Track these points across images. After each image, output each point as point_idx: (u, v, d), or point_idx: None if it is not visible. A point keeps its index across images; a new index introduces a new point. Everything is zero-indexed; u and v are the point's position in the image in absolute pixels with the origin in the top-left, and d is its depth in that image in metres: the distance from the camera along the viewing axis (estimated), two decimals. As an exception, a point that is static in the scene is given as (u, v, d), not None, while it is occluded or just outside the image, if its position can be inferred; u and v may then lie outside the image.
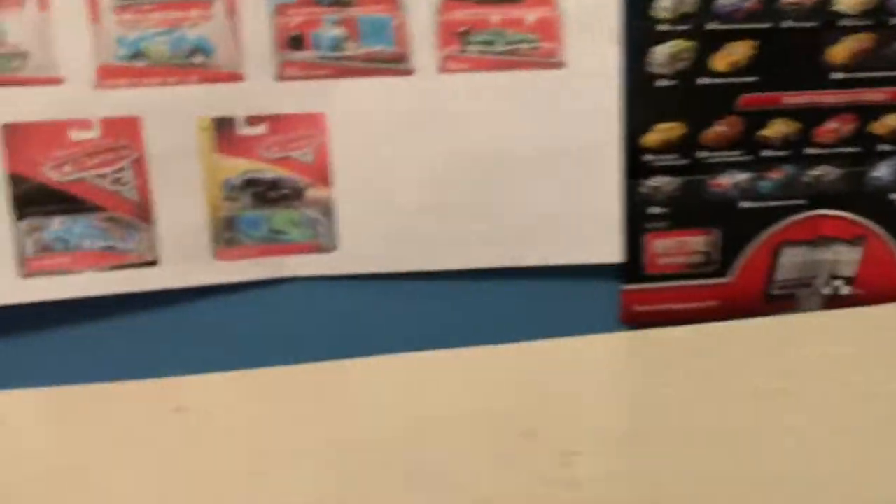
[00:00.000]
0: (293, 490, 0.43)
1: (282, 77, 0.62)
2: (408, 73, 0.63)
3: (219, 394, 0.56)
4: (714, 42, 0.65)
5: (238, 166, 0.63)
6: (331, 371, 0.60)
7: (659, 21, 0.64)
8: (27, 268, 0.62)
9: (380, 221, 0.65)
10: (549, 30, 0.63)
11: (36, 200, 0.61)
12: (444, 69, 0.63)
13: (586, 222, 0.66)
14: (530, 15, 0.63)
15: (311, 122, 0.63)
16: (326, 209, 0.65)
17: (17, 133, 0.60)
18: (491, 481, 0.42)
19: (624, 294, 0.68)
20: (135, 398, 0.54)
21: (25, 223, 0.62)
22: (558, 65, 0.63)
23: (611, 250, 0.66)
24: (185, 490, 0.43)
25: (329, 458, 0.46)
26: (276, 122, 0.63)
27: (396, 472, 0.44)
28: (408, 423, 0.50)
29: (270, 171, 0.64)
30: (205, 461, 0.47)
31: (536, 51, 0.63)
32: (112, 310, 0.63)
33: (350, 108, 0.63)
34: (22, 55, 0.59)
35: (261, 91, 0.62)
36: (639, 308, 0.69)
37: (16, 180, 0.61)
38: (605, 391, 0.59)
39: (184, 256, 0.64)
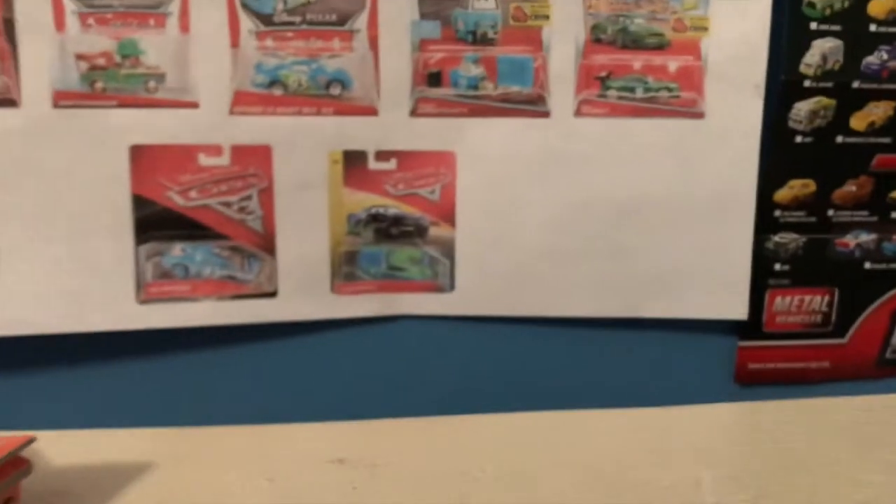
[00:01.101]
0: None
1: (416, 113, 0.61)
2: (543, 115, 0.62)
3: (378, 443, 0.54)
4: (856, 101, 0.63)
5: (364, 201, 0.62)
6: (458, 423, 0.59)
7: (804, 77, 0.62)
8: (145, 293, 0.60)
9: (500, 264, 0.63)
10: (690, 79, 0.62)
11: (158, 224, 0.60)
12: (580, 113, 0.62)
13: (714, 276, 0.64)
14: (673, 63, 0.61)
15: (440, 161, 0.62)
16: (447, 249, 0.63)
17: (146, 154, 0.59)
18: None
19: (741, 351, 0.67)
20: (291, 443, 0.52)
21: (146, 247, 0.60)
22: (698, 115, 0.62)
23: (736, 307, 0.65)
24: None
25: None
26: (406, 158, 0.61)
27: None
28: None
29: (395, 208, 0.62)
30: None
31: (676, 100, 0.62)
32: (227, 339, 0.62)
33: (481, 148, 0.62)
34: (158, 76, 0.58)
35: (394, 126, 0.61)
36: (753, 366, 0.67)
37: (140, 202, 0.59)
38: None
39: (302, 289, 0.62)
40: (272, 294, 0.62)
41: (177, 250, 0.61)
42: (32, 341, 0.58)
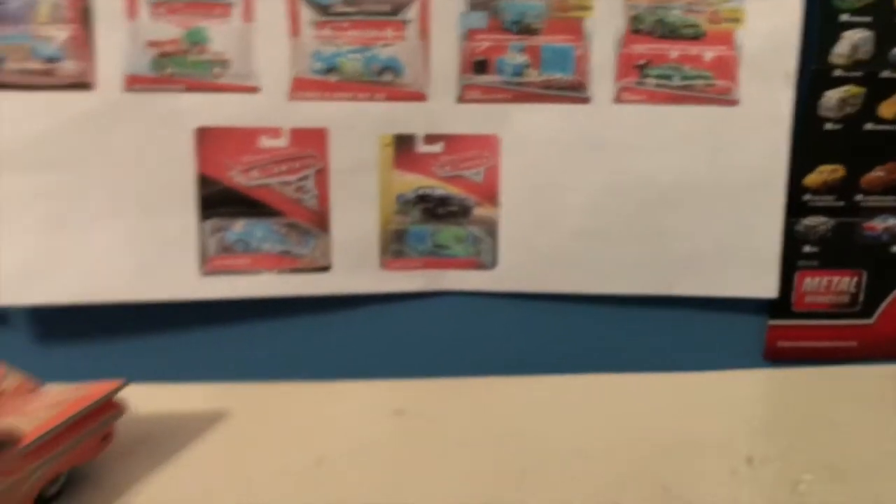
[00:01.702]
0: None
1: (462, 99, 0.64)
2: (584, 101, 0.65)
3: (434, 398, 0.58)
4: (884, 90, 0.66)
5: (412, 182, 0.66)
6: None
7: (834, 67, 0.65)
8: (208, 266, 0.65)
9: (540, 243, 0.67)
10: (725, 68, 0.65)
11: (222, 202, 0.64)
12: (619, 99, 0.65)
13: (745, 257, 0.67)
14: (708, 53, 0.64)
15: (485, 144, 0.65)
16: (490, 228, 0.67)
17: (211, 137, 0.63)
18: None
19: (770, 329, 0.70)
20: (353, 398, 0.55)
21: (210, 223, 0.64)
22: (731, 102, 0.65)
23: (766, 285, 0.68)
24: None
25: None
26: (453, 141, 0.65)
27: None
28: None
29: (441, 189, 0.66)
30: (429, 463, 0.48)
31: (711, 88, 0.65)
32: (283, 310, 0.66)
33: (523, 133, 0.65)
34: (223, 63, 0.62)
35: (441, 111, 0.64)
36: (782, 344, 0.70)
37: (205, 182, 0.63)
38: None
39: (353, 264, 0.66)
40: (326, 268, 0.66)
41: (238, 226, 0.65)
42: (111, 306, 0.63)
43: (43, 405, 0.44)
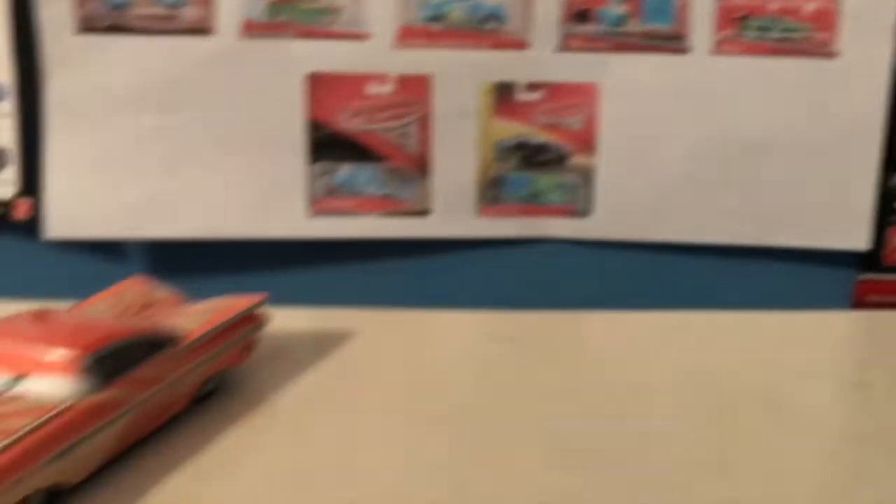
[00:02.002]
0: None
1: (563, 48, 0.66)
2: (682, 51, 0.66)
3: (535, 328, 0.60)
4: None
5: (511, 129, 0.68)
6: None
7: (936, 19, 0.65)
8: (315, 207, 0.68)
9: (636, 191, 0.68)
10: (825, 21, 0.65)
11: (329, 146, 0.67)
12: (718, 51, 0.66)
13: (838, 209, 0.68)
14: (808, 5, 0.65)
15: (584, 92, 0.67)
16: (587, 176, 0.68)
17: (321, 83, 0.65)
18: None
19: (859, 283, 0.71)
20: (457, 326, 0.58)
21: (318, 166, 0.67)
22: (831, 55, 0.65)
23: (858, 238, 0.68)
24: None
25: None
26: (553, 90, 0.67)
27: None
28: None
29: (540, 136, 0.68)
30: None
31: (810, 40, 0.65)
32: (383, 252, 0.69)
33: (623, 82, 0.66)
34: (335, 10, 0.64)
35: (542, 60, 0.66)
36: (871, 298, 0.71)
37: (314, 126, 0.66)
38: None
39: (452, 210, 0.68)
40: (425, 213, 0.69)
41: (344, 170, 0.67)
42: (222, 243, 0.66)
43: (193, 313, 0.47)
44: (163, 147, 0.66)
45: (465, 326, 0.59)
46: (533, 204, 0.69)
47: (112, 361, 0.40)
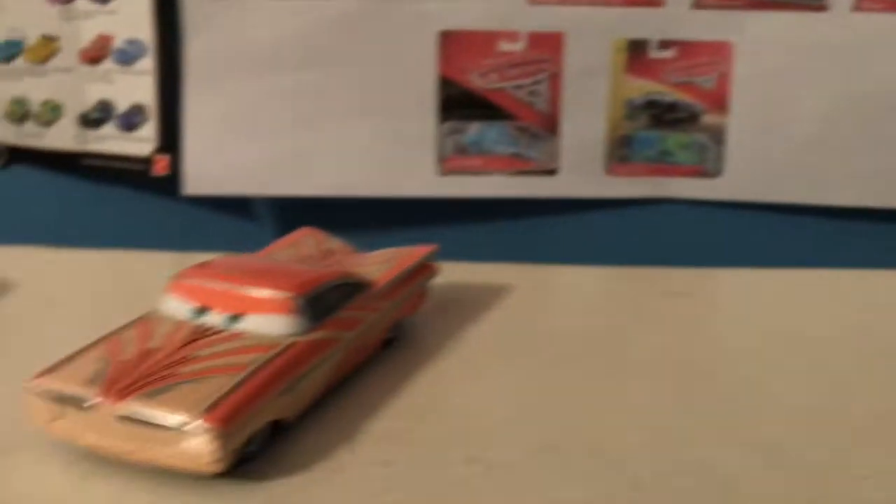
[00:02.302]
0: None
1: (698, 5, 0.65)
2: (821, 9, 0.64)
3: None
4: None
5: (642, 87, 0.67)
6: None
7: None
8: (445, 166, 0.68)
9: (768, 152, 0.67)
10: (975, -26, 0.63)
11: (459, 104, 0.67)
12: (858, 8, 0.64)
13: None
14: (958, -42, 0.63)
15: (718, 50, 0.66)
16: (717, 135, 0.67)
17: (453, 40, 0.65)
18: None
19: None
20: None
21: (447, 125, 0.67)
22: (979, 10, 0.63)
23: None
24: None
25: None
26: (686, 47, 0.66)
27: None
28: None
29: (671, 95, 0.67)
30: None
31: (958, -6, 0.63)
32: (509, 211, 0.69)
33: (758, 40, 0.65)
34: (469, -32, 0.64)
35: (677, 17, 0.65)
36: None
37: (445, 84, 0.66)
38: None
39: (580, 169, 0.68)
40: (553, 171, 0.68)
41: (473, 129, 0.68)
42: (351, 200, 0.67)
43: (371, 262, 0.48)
44: (298, 105, 0.67)
45: (629, 280, 0.59)
46: (662, 164, 0.68)
47: (320, 302, 0.41)
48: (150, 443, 0.34)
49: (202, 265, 0.43)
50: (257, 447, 0.37)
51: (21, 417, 0.40)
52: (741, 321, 0.54)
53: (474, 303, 0.53)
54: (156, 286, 0.43)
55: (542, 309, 0.54)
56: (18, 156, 0.70)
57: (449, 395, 0.43)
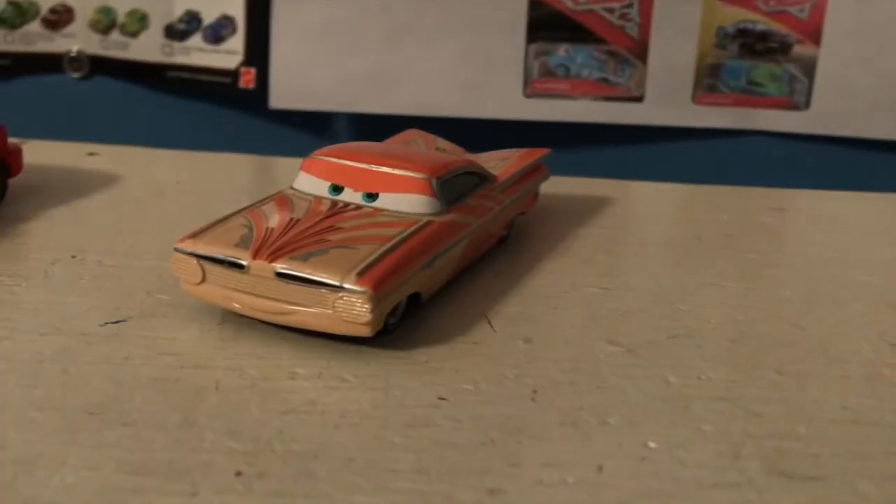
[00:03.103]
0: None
1: (795, -70, 0.64)
2: (922, -62, 0.63)
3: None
4: None
5: (734, 15, 0.66)
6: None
7: None
8: (531, 88, 0.67)
9: (858, 86, 0.66)
10: None
11: (548, 25, 0.66)
12: (960, -63, 0.63)
13: None
14: None
15: (813, -21, 0.65)
16: (808, 68, 0.67)
17: (546, -40, 0.65)
18: None
19: None
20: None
21: (535, 46, 0.67)
22: None
23: None
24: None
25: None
26: (781, -26, 0.65)
27: None
28: None
29: (763, 24, 0.66)
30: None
31: None
32: (594, 136, 0.69)
33: (855, -31, 0.64)
34: None
35: (774, -58, 0.64)
36: None
37: (534, 3, 0.66)
38: None
39: (666, 97, 0.67)
40: (639, 99, 0.68)
41: (561, 51, 0.67)
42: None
43: (490, 160, 0.48)
44: (385, 22, 0.66)
45: (727, 196, 0.58)
46: (749, 94, 0.68)
47: (452, 187, 0.41)
48: (302, 303, 0.34)
49: (335, 147, 0.42)
50: (397, 320, 0.37)
51: (158, 286, 0.40)
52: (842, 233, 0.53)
53: (579, 211, 0.53)
54: (258, 184, 0.42)
55: (650, 219, 0.54)
56: (101, 67, 0.70)
57: (576, 287, 0.42)
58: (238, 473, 0.28)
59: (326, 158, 0.41)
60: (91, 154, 0.60)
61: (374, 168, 0.40)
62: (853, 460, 0.30)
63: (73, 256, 0.44)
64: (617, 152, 0.69)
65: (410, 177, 0.40)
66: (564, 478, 0.29)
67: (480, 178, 0.44)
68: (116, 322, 0.37)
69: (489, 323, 0.38)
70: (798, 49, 0.66)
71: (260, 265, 0.35)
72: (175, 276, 0.37)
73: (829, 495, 0.28)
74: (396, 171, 0.40)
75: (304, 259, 0.35)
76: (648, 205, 0.57)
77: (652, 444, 0.31)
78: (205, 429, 0.30)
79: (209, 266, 0.36)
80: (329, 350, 0.36)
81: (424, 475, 0.29)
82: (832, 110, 0.67)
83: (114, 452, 0.29)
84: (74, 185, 0.54)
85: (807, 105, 0.67)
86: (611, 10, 0.66)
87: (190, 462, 0.29)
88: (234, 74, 0.67)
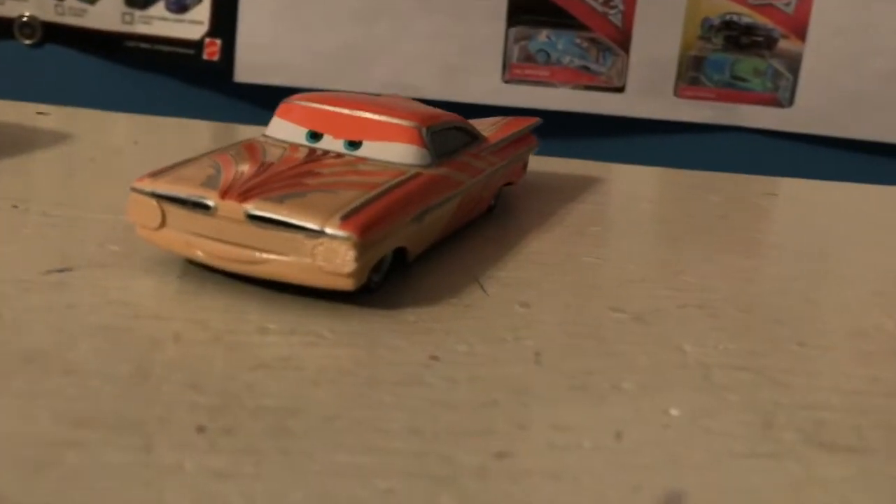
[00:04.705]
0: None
1: (786, -78, 0.62)
2: (911, -65, 0.62)
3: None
4: None
5: (720, 6, 0.64)
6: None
7: None
8: (510, 74, 0.64)
9: (843, 84, 0.64)
10: None
11: (529, 9, 0.63)
12: (949, -64, 0.62)
13: None
14: None
15: (801, -28, 0.63)
16: (793, 63, 0.65)
17: (529, -61, 0.62)
18: None
19: None
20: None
21: (515, 30, 0.64)
22: None
23: None
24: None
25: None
26: (769, -34, 0.63)
27: None
28: None
29: (749, 17, 0.64)
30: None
31: None
32: (573, 125, 0.66)
33: (843, -36, 0.63)
34: None
35: (763, -68, 0.63)
36: None
37: (516, -14, 0.63)
38: None
39: (647, 88, 0.65)
40: (620, 89, 0.65)
41: (542, 36, 0.64)
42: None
43: (479, 125, 0.44)
44: (361, -3, 0.63)
45: (715, 182, 0.56)
46: (732, 89, 0.66)
47: (443, 139, 0.38)
48: (275, 250, 0.30)
49: (313, 93, 0.38)
50: (381, 277, 0.33)
51: (110, 236, 0.36)
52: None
53: (567, 186, 0.49)
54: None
55: (640, 198, 0.50)
56: (54, 34, 0.65)
57: (572, 257, 0.39)
58: (200, 429, 0.24)
59: (304, 103, 0.37)
60: (40, 113, 0.55)
61: (358, 114, 0.36)
62: (896, 432, 0.27)
63: (15, 206, 0.39)
64: (597, 141, 0.67)
65: (399, 124, 0.36)
66: (579, 442, 0.25)
67: (471, 136, 0.40)
68: (61, 271, 0.33)
69: (481, 287, 0.35)
70: (783, 44, 0.64)
71: (229, 206, 0.30)
72: (131, 220, 0.33)
73: (878, 466, 0.25)
74: (383, 118, 0.36)
75: (280, 201, 0.31)
76: (636, 185, 0.54)
77: (674, 412, 0.27)
78: (161, 381, 0.26)
79: (170, 207, 0.31)
80: (303, 306, 0.32)
81: (418, 435, 0.25)
82: (816, 108, 0.65)
83: (52, 402, 0.25)
84: (20, 141, 0.49)
85: (790, 102, 0.65)
86: (595, -4, 0.64)
87: (143, 415, 0.25)
88: (198, 46, 0.63)
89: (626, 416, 0.27)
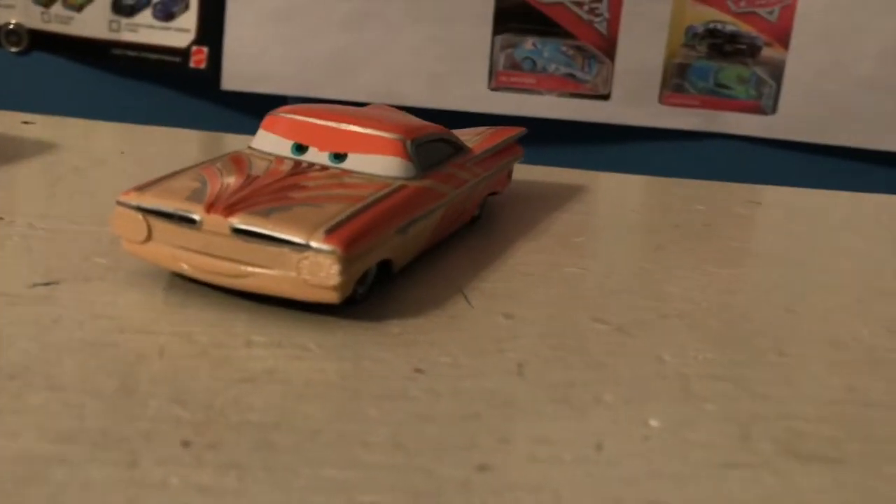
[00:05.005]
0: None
1: (769, -69, 0.63)
2: (892, -57, 0.63)
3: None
4: None
5: (704, 14, 0.64)
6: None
7: None
8: (496, 81, 0.65)
9: (826, 92, 0.65)
10: None
11: (515, 17, 0.64)
12: (929, -56, 0.63)
13: None
14: None
15: (784, -19, 0.64)
16: (776, 71, 0.65)
17: (514, -52, 0.62)
18: None
19: None
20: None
21: (501, 38, 0.64)
22: None
23: None
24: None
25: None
26: (752, -25, 0.64)
27: None
28: None
29: (733, 25, 0.65)
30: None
31: None
32: (559, 132, 0.66)
33: (825, -28, 0.63)
34: None
35: (746, -58, 0.63)
36: None
37: (502, -6, 0.63)
38: None
39: (633, 96, 0.65)
40: (605, 97, 0.66)
41: (528, 44, 0.65)
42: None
43: (463, 135, 0.44)
44: (347, 5, 0.63)
45: (699, 190, 0.56)
46: (716, 96, 0.66)
47: (428, 152, 0.38)
48: (261, 264, 0.30)
49: (299, 105, 0.39)
50: (366, 289, 0.33)
51: (96, 249, 0.36)
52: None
53: (550, 196, 0.50)
54: (210, 157, 0.39)
55: (625, 207, 0.51)
56: (40, 41, 0.65)
57: (555, 267, 0.39)
58: (186, 443, 0.24)
59: (290, 116, 0.37)
60: (26, 122, 0.55)
61: (343, 127, 0.37)
62: (873, 443, 0.27)
63: (0, 218, 0.39)
64: (583, 148, 0.67)
65: (383, 137, 0.36)
66: (560, 455, 0.26)
67: (455, 147, 0.41)
68: (47, 284, 0.33)
69: (465, 298, 0.35)
70: (767, 52, 0.65)
71: (214, 220, 0.31)
72: (116, 234, 0.33)
73: (853, 478, 0.26)
74: (368, 131, 0.36)
75: (265, 214, 0.31)
76: (621, 194, 0.54)
77: (653, 423, 0.28)
78: (147, 396, 0.26)
79: (156, 221, 0.32)
80: (289, 319, 0.32)
81: (402, 449, 0.25)
82: (799, 115, 0.66)
83: (37, 418, 0.25)
84: (6, 151, 0.49)
85: (774, 110, 0.66)
86: (580, 4, 0.64)
87: (128, 431, 0.25)
88: (184, 53, 0.63)
89: (607, 428, 0.27)
